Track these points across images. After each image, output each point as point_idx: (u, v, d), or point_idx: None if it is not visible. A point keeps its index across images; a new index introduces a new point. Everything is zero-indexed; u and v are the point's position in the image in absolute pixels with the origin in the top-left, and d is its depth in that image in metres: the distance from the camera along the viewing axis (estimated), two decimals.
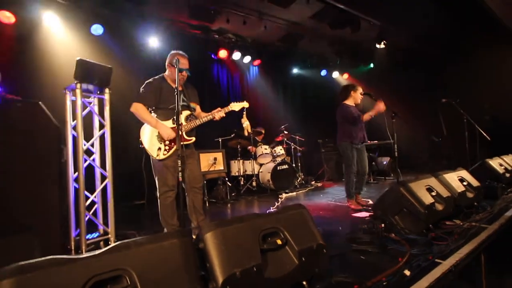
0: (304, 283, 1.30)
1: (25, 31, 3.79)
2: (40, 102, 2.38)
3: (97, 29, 4.30)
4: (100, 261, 0.96)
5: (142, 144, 2.42)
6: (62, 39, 4.07)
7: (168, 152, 2.36)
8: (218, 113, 2.47)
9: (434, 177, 2.43)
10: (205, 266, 1.16)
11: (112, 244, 1.02)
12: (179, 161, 1.95)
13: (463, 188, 2.52)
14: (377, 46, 6.39)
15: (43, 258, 0.92)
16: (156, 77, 2.51)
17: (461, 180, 2.65)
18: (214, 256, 1.14)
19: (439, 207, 2.15)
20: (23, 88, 3.43)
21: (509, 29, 5.21)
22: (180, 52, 2.48)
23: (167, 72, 2.53)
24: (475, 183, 2.75)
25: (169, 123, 2.42)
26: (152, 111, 2.45)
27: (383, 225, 2.09)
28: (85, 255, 0.98)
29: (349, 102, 3.56)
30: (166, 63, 2.50)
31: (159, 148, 2.37)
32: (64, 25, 4.08)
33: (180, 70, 2.29)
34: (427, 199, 2.07)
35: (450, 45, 5.77)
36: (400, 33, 5.84)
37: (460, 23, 5.09)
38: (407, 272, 1.49)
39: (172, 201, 2.38)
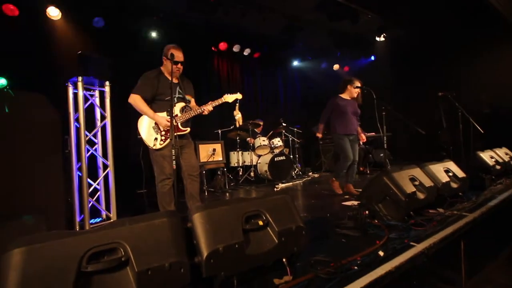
0: (284, 260, 1.44)
1: (28, 24, 3.90)
2: (44, 95, 2.52)
3: (98, 21, 4.40)
4: (98, 235, 1.10)
5: (139, 135, 2.53)
6: (64, 32, 4.18)
7: (164, 142, 2.50)
8: (207, 107, 2.56)
9: (420, 167, 2.53)
10: (192, 243, 1.30)
11: (109, 221, 1.16)
12: (173, 151, 2.08)
13: (447, 179, 2.62)
14: (377, 39, 6.40)
15: (48, 232, 1.06)
16: (153, 69, 2.60)
17: (447, 171, 2.75)
18: (200, 234, 1.27)
19: (421, 195, 2.26)
20: (27, 81, 3.57)
21: (509, 22, 5.18)
22: (175, 45, 2.55)
23: (163, 65, 2.62)
24: (460, 174, 2.84)
25: (165, 114, 2.53)
26: (149, 103, 2.55)
27: (367, 212, 2.20)
28: (85, 230, 1.12)
29: (345, 95, 3.74)
30: (162, 56, 2.59)
31: (156, 139, 2.49)
32: (67, 18, 4.18)
33: (175, 63, 2.39)
34: (409, 188, 2.18)
35: (449, 38, 5.75)
36: (399, 26, 5.83)
37: (459, 15, 5.07)
38: (381, 253, 1.62)
39: (169, 188, 2.50)
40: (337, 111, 3.64)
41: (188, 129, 2.62)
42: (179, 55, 2.48)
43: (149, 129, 2.51)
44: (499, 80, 5.28)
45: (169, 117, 2.44)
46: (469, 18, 5.10)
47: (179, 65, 2.50)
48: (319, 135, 3.94)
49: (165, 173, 2.48)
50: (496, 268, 2.44)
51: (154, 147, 2.48)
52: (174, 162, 2.10)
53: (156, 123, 2.51)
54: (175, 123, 2.43)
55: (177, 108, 2.57)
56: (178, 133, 2.51)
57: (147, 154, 2.61)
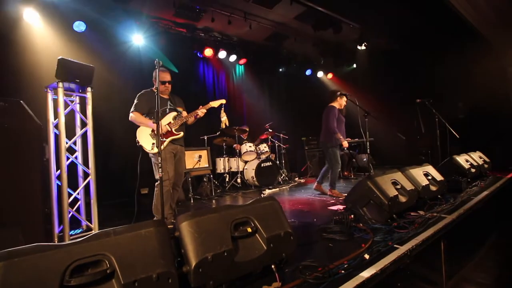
0: (273, 266, 1.44)
1: (4, 27, 3.74)
2: (21, 101, 2.41)
3: (79, 25, 4.28)
4: (81, 247, 1.06)
5: (138, 142, 2.79)
6: (43, 36, 4.03)
7: (161, 144, 2.56)
8: (200, 110, 2.85)
9: (401, 172, 2.63)
10: (181, 252, 1.28)
11: (93, 232, 1.12)
12: (159, 158, 2.10)
13: (427, 182, 2.74)
14: (359, 47, 6.64)
15: (28, 245, 1.01)
16: (146, 90, 2.93)
17: (426, 174, 2.87)
18: (188, 243, 1.26)
19: (403, 199, 2.35)
20: (3, 86, 3.41)
21: (481, 33, 5.54)
22: (162, 68, 2.82)
23: (154, 87, 2.88)
24: (439, 177, 2.98)
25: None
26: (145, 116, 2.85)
27: (352, 216, 2.26)
28: (67, 242, 1.07)
29: (335, 104, 3.99)
30: (152, 79, 2.89)
31: (153, 143, 2.74)
32: (46, 21, 4.04)
33: (163, 83, 2.82)
34: (391, 191, 2.26)
35: (426, 48, 6.06)
36: (379, 36, 6.09)
37: (434, 26, 5.38)
38: (366, 256, 1.66)
39: (167, 190, 2.71)
40: (337, 121, 3.86)
41: (182, 133, 2.87)
42: (166, 76, 2.86)
43: (146, 136, 2.80)
44: (473, 87, 5.60)
45: (165, 124, 2.81)
46: (444, 28, 5.41)
47: (166, 84, 2.87)
48: (346, 143, 3.89)
49: (167, 175, 2.66)
50: (473, 267, 2.55)
51: (152, 151, 2.72)
52: (160, 169, 2.09)
53: (153, 130, 2.78)
54: (169, 129, 2.81)
55: (170, 116, 2.89)
56: (173, 137, 2.82)
57: (132, 162, 2.61)
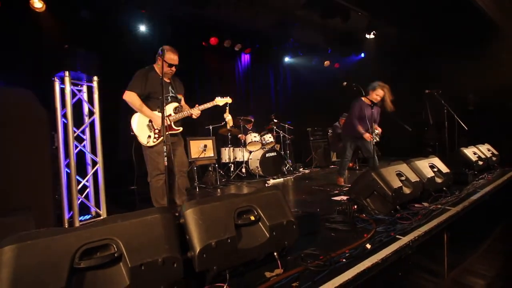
0: (275, 254, 1.47)
1: (11, 16, 3.76)
2: (29, 90, 2.45)
3: (86, 14, 4.27)
4: (90, 232, 1.10)
5: (133, 131, 2.54)
6: (49, 25, 4.04)
7: (157, 140, 2.53)
8: (195, 111, 2.64)
9: (406, 163, 2.61)
10: (185, 238, 1.31)
11: (101, 218, 1.16)
12: (165, 147, 2.10)
13: (432, 174, 2.72)
14: (367, 36, 6.49)
15: (40, 229, 1.06)
16: (145, 68, 2.58)
17: (432, 166, 2.85)
18: (193, 229, 1.29)
19: (407, 190, 2.34)
20: (11, 75, 3.46)
21: (494, 21, 5.34)
22: (171, 47, 2.54)
23: (156, 64, 2.62)
24: (445, 169, 2.95)
25: (158, 113, 2.53)
26: (143, 100, 2.53)
27: (355, 206, 2.27)
28: (77, 226, 1.12)
29: (365, 99, 3.71)
30: (157, 55, 2.55)
31: (149, 136, 2.52)
32: (52, 9, 4.04)
33: (170, 66, 2.49)
34: (396, 183, 2.26)
35: (436, 36, 5.88)
36: (388, 24, 5.92)
37: (447, 14, 5.20)
38: (368, 246, 1.68)
39: (163, 183, 2.54)
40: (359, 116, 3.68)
41: (181, 129, 2.67)
42: (174, 58, 2.52)
43: (142, 126, 2.54)
44: (484, 79, 5.45)
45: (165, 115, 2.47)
46: (456, 16, 5.23)
47: (173, 68, 2.55)
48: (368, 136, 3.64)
49: (160, 169, 2.51)
50: (477, 259, 2.56)
51: (148, 144, 2.51)
52: (165, 158, 2.11)
53: (150, 121, 2.53)
54: (168, 123, 2.50)
55: (171, 107, 2.61)
56: (171, 132, 2.57)
57: (139, 151, 2.61)
